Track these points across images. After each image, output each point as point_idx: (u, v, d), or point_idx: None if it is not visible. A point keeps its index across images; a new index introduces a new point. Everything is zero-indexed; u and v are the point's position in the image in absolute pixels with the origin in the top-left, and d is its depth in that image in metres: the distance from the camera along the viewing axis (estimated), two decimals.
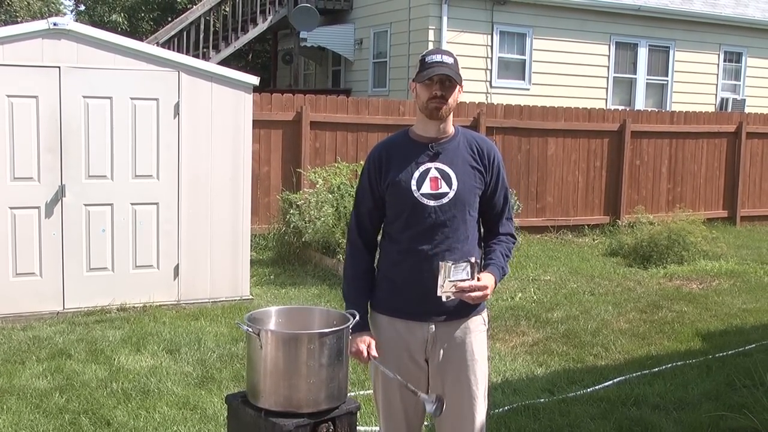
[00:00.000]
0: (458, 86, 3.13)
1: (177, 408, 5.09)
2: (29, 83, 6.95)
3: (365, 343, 3.14)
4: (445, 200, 3.14)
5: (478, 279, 3.06)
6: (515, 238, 3.36)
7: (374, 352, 3.13)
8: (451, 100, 3.13)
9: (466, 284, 3.02)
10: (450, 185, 3.15)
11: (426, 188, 3.15)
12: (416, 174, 3.16)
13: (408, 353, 3.21)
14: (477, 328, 3.25)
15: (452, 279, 3.02)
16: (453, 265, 3.02)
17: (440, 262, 3.03)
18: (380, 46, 16.60)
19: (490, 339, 6.77)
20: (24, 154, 6.98)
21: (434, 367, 3.22)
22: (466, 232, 3.19)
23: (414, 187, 3.15)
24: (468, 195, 3.17)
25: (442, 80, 3.09)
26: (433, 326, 3.18)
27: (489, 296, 3.10)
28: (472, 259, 3.06)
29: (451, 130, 3.24)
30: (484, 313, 3.31)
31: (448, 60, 3.12)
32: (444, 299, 3.05)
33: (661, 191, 13.60)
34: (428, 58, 3.13)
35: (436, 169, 3.17)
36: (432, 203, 3.14)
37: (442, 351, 3.20)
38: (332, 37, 17.40)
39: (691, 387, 5.66)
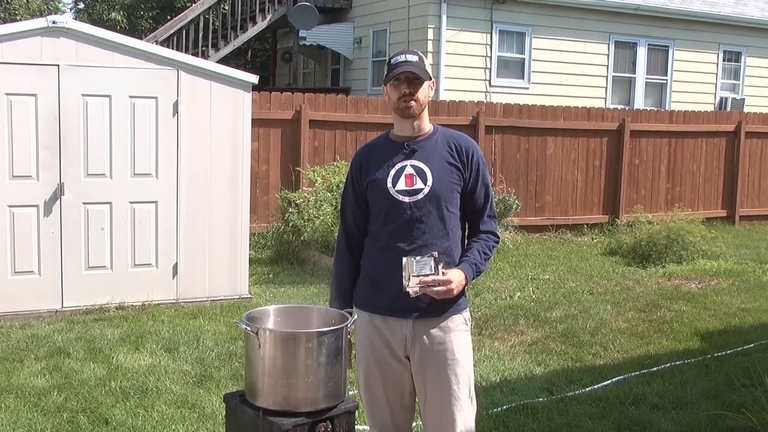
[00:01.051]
0: (426, 82, 3.21)
1: (175, 407, 5.08)
2: (28, 81, 6.94)
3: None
4: (419, 196, 3.19)
5: (443, 274, 3.06)
6: (497, 236, 3.39)
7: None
8: (420, 97, 3.20)
9: (429, 278, 3.04)
10: (425, 181, 3.20)
11: (401, 185, 3.20)
12: (392, 172, 3.22)
13: (389, 350, 3.24)
14: (457, 327, 3.26)
15: (416, 274, 3.04)
16: (416, 261, 3.04)
17: (403, 258, 3.06)
18: (379, 44, 16.59)
19: (489, 338, 6.81)
20: (23, 153, 6.97)
21: (415, 364, 3.25)
22: (445, 229, 3.22)
23: (390, 185, 3.21)
24: (444, 191, 3.21)
25: (408, 78, 3.17)
26: (411, 322, 3.20)
27: (454, 292, 3.09)
28: (435, 254, 3.07)
29: (427, 128, 3.29)
30: (466, 313, 3.31)
31: (413, 58, 3.20)
32: (411, 294, 3.06)
33: (660, 190, 13.60)
34: (393, 60, 3.22)
35: (412, 166, 3.22)
36: (407, 199, 3.19)
37: (420, 348, 3.21)
38: (331, 35, 17.39)
39: (689, 386, 5.66)
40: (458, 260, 3.24)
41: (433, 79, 3.27)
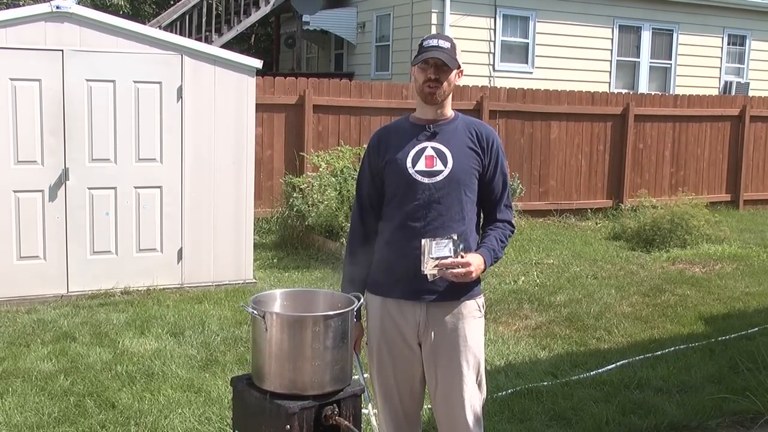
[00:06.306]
0: (454, 71, 3.17)
1: (181, 391, 5.11)
2: (32, 66, 6.93)
3: (354, 336, 3.22)
4: (439, 177, 3.17)
5: (462, 256, 3.06)
6: (513, 226, 3.37)
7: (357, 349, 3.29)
8: (445, 85, 3.17)
9: (448, 261, 3.03)
10: (445, 163, 3.18)
11: (420, 165, 3.18)
12: (412, 152, 3.20)
13: (401, 337, 3.24)
14: (471, 314, 3.26)
15: (434, 256, 3.03)
16: (435, 242, 3.03)
17: (422, 240, 3.05)
18: (383, 29, 16.55)
19: (493, 323, 6.81)
20: (27, 138, 6.98)
21: (427, 351, 3.24)
22: (462, 213, 3.20)
23: (409, 165, 3.18)
24: (463, 174, 3.19)
25: (437, 64, 3.13)
26: (425, 307, 3.19)
27: (473, 275, 3.09)
28: (455, 236, 3.06)
29: (449, 113, 3.28)
30: (480, 299, 3.31)
31: (445, 44, 3.16)
32: (429, 278, 3.06)
33: (664, 175, 13.59)
34: (425, 42, 3.18)
35: (432, 147, 3.20)
36: (426, 180, 3.17)
37: (433, 334, 3.21)
38: (335, 20, 17.35)
39: (693, 370, 5.67)
40: (474, 247, 3.22)
41: (462, 68, 3.23)
